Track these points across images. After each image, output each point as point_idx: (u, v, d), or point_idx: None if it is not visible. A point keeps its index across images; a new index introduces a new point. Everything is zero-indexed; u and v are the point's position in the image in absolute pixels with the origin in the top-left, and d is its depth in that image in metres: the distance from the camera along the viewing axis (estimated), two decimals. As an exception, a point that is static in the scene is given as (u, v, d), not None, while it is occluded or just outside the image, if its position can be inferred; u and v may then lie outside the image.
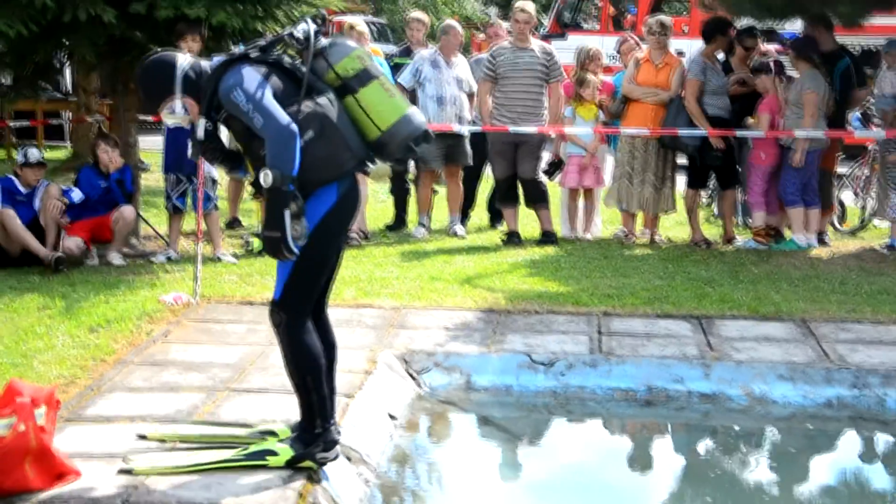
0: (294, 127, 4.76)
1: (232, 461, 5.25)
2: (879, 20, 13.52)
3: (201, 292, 8.74)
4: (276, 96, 4.87)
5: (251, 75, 4.88)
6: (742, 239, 11.69)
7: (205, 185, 9.88)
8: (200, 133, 5.08)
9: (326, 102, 4.99)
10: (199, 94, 5.06)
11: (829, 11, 11.17)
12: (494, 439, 6.99)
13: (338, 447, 5.34)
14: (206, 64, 5.14)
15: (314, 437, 5.25)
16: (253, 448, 5.34)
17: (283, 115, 4.77)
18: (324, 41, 5.06)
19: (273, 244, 4.78)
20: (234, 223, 12.07)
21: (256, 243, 10.67)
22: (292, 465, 5.21)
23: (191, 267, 9.11)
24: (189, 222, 10.07)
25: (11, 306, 8.27)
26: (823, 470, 6.75)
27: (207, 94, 5.01)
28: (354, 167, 5.13)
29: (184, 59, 5.15)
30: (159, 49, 5.39)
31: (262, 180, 4.73)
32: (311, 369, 5.19)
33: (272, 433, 5.47)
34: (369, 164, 5.23)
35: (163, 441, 5.58)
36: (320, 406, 5.25)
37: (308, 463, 5.22)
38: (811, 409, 7.12)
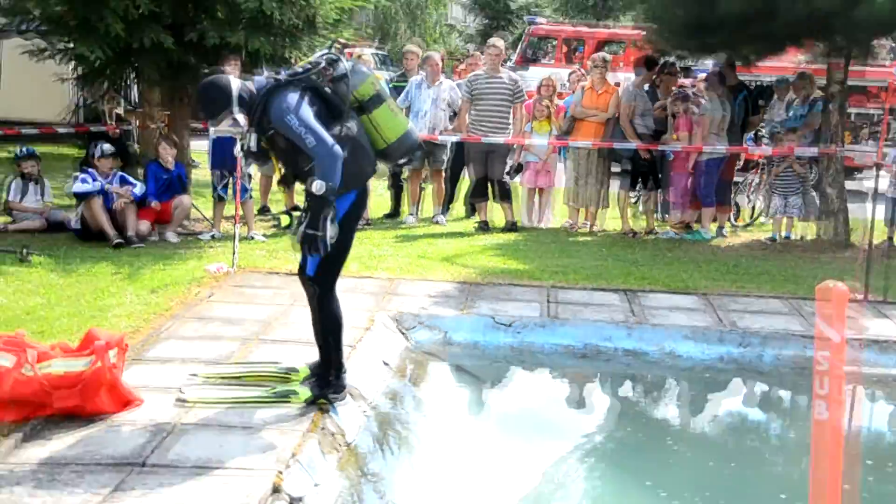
0: (338, 149, 4.79)
1: (263, 398, 5.36)
2: (771, 62, 13.60)
3: (238, 263, 8.80)
4: (316, 117, 4.89)
5: (299, 102, 4.86)
6: (661, 230, 11.79)
7: (242, 179, 9.95)
8: (254, 145, 5.10)
9: (354, 125, 5.05)
10: (248, 111, 5.07)
11: (733, 54, 11.25)
12: (465, 382, 7.09)
13: (346, 391, 5.46)
14: (251, 85, 5.13)
15: (329, 383, 5.38)
16: (280, 388, 5.45)
17: (329, 139, 4.78)
18: (342, 67, 5.07)
19: (313, 241, 4.83)
20: (264, 210, 12.11)
21: (284, 220, 10.77)
22: (310, 404, 5.32)
23: (230, 243, 9.18)
24: (229, 209, 10.11)
25: (91, 271, 8.33)
26: (715, 407, 6.89)
27: (257, 113, 5.00)
28: (371, 175, 5.26)
29: (235, 81, 5.15)
30: (207, 70, 5.43)
31: (314, 189, 4.74)
32: (335, 331, 5.33)
33: (294, 370, 5.58)
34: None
35: (209, 378, 5.69)
36: (337, 360, 5.39)
37: (322, 402, 5.34)
38: (708, 362, 7.25)
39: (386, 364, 6.63)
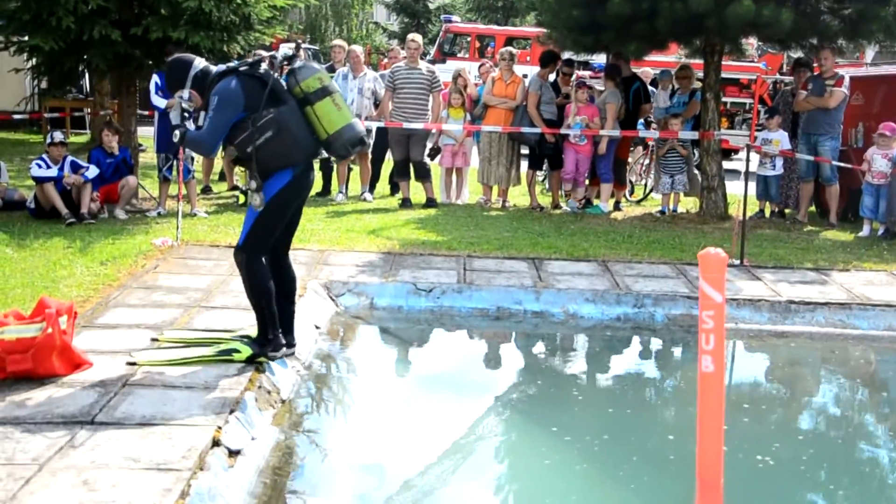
0: (211, 149, 4.98)
1: (207, 357, 5.20)
2: (658, 57, 13.70)
3: (182, 237, 8.56)
4: (250, 102, 4.86)
5: (231, 94, 4.84)
6: (564, 205, 11.80)
7: (185, 161, 9.69)
8: (175, 118, 5.05)
9: (286, 110, 4.93)
10: (200, 90, 5.01)
11: (622, 49, 11.29)
12: (390, 343, 6.98)
13: (283, 348, 5.33)
14: (213, 68, 5.07)
15: (268, 341, 5.24)
16: (223, 346, 5.29)
17: (213, 137, 4.87)
18: (298, 63, 5.01)
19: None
20: (206, 189, 11.86)
21: (241, 198, 10.56)
22: (251, 361, 5.18)
23: (174, 219, 8.93)
24: (174, 188, 9.83)
25: (45, 246, 8.02)
26: (614, 362, 6.90)
27: (207, 93, 4.95)
28: (304, 159, 5.07)
29: (199, 62, 5.10)
30: (151, 62, 5.30)
31: (174, 138, 4.95)
32: (263, 293, 5.18)
33: (248, 337, 5.40)
34: (319, 155, 5.21)
35: (164, 342, 5.51)
36: (271, 319, 5.24)
37: (262, 359, 5.20)
38: (607, 322, 7.27)
39: (317, 328, 6.51)
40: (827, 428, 5.66)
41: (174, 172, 9.83)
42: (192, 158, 10.22)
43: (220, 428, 4.30)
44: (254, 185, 4.98)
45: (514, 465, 4.88)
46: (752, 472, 4.57)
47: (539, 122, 11.25)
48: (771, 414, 5.76)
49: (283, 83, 5.00)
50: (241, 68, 4.97)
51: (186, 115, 5.05)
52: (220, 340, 5.44)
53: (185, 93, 5.03)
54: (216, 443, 4.18)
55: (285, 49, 5.18)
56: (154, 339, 5.52)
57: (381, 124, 11.55)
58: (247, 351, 5.21)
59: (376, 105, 11.75)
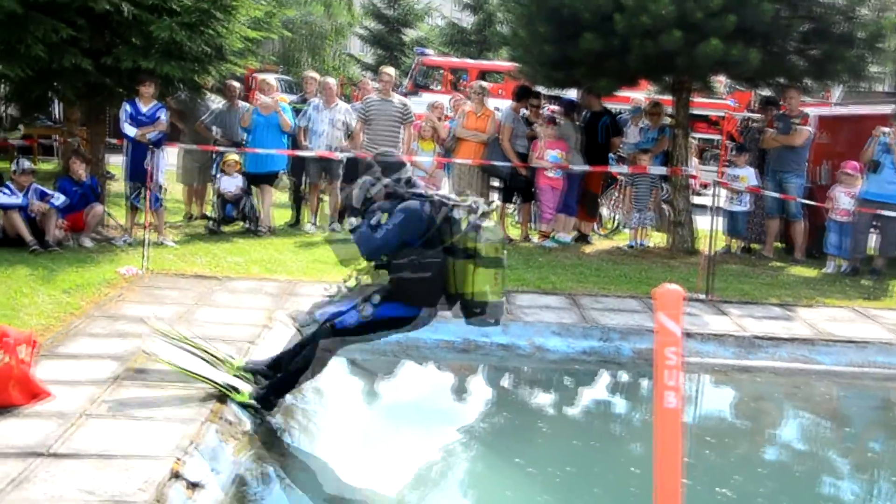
0: (373, 256, 4.95)
1: (214, 382, 5.19)
2: (630, 93, 13.86)
3: (148, 266, 8.50)
4: (428, 234, 4.83)
5: (417, 218, 4.83)
6: (535, 238, 11.85)
7: (154, 190, 9.67)
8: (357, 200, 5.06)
9: (452, 260, 4.85)
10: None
11: (593, 85, 11.41)
12: (356, 375, 6.94)
13: (276, 408, 5.32)
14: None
15: (268, 402, 5.22)
16: (227, 378, 5.27)
17: (383, 248, 4.85)
18: (486, 222, 4.90)
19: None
20: (191, 217, 11.91)
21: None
22: (243, 405, 5.15)
23: (142, 248, 8.87)
24: (142, 217, 9.79)
25: (6, 273, 7.91)
26: (580, 395, 6.92)
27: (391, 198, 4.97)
28: (436, 304, 5.02)
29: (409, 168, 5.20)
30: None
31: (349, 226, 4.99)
32: (308, 373, 5.18)
33: (237, 390, 5.26)
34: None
35: (167, 335, 5.53)
36: (287, 389, 5.26)
37: (252, 409, 5.20)
38: (573, 355, 7.28)
39: (283, 359, 6.46)
40: (788, 462, 5.70)
41: (143, 201, 9.79)
42: (161, 187, 10.17)
43: (179, 460, 4.26)
44: (377, 298, 4.96)
45: (479, 498, 4.86)
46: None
47: (512, 155, 11.33)
48: (733, 448, 5.79)
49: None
50: (434, 198, 4.91)
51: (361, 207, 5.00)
52: (218, 361, 5.40)
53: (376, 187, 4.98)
54: (176, 475, 4.14)
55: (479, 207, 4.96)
56: (159, 318, 5.46)
57: (352, 154, 11.58)
58: (245, 396, 5.17)
59: (348, 136, 11.79)
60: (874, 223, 10.47)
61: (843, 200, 10.44)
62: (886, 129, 10.23)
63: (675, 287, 4.13)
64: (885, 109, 11.09)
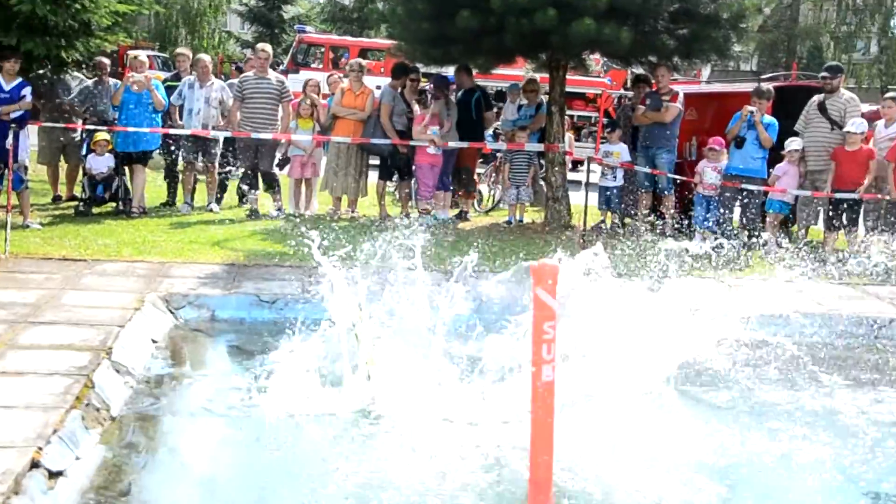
0: None
1: None
2: (508, 71, 13.98)
3: (10, 250, 8.15)
4: None
5: None
6: (414, 216, 11.86)
7: (18, 170, 9.27)
8: None
9: None
10: None
11: (471, 62, 11.49)
12: (230, 356, 6.78)
13: None
14: None
15: None
16: None
17: None
18: None
19: None
20: (58, 199, 11.46)
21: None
22: None
23: (3, 231, 8.49)
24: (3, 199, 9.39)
25: None
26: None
27: None
28: None
29: None
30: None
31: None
32: None
33: None
34: None
35: None
36: None
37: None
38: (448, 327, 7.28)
39: (154, 341, 6.32)
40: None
41: (5, 182, 9.38)
42: (25, 168, 9.75)
43: (40, 449, 4.11)
44: None
45: (354, 476, 4.82)
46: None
47: (392, 133, 11.30)
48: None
49: None
50: None
51: None
52: None
53: None
54: (35, 464, 4.00)
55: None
56: None
57: (229, 134, 11.35)
58: None
59: (224, 115, 11.55)
60: (738, 197, 10.88)
61: (709, 175, 10.81)
62: (751, 108, 10.62)
63: (551, 262, 4.20)
64: (749, 87, 11.52)
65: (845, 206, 10.28)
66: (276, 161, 11.64)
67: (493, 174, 13.35)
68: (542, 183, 11.93)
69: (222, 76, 15.97)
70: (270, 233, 10.20)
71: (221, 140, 11.54)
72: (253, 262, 8.47)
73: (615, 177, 11.68)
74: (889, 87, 24.56)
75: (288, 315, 7.26)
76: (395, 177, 12.16)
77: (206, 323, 7.06)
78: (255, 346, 6.90)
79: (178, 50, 12.92)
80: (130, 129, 10.76)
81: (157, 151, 11.53)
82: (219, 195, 11.86)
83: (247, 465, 4.76)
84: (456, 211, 12.03)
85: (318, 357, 6.41)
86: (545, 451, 4.22)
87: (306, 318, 7.20)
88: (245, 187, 11.35)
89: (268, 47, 11.85)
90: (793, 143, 10.62)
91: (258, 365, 6.10)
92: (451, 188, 11.87)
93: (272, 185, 11.44)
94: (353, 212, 11.85)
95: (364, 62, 12.29)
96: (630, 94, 14.11)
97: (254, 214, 11.21)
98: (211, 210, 11.49)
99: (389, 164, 11.73)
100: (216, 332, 6.99)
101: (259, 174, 11.42)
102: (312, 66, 22.97)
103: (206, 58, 11.80)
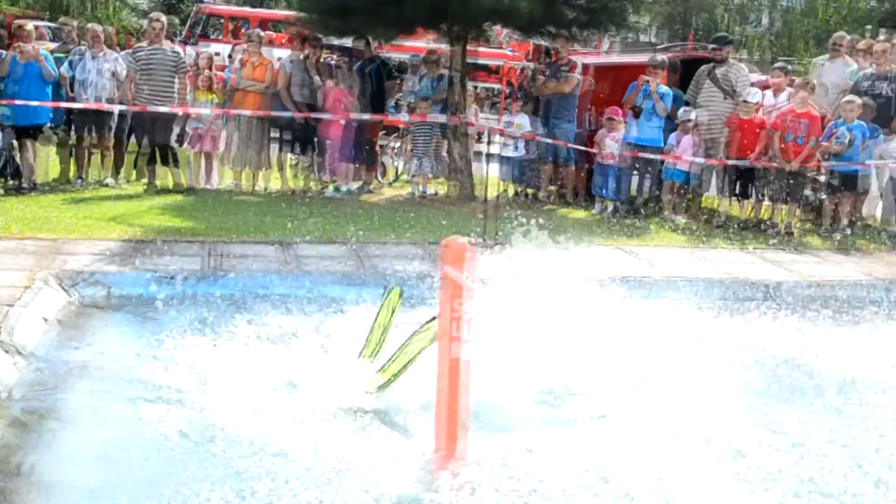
0: None
1: None
2: (412, 42, 13.90)
3: None
4: None
5: None
6: (318, 189, 11.73)
7: None
8: None
9: None
10: None
11: (371, 33, 11.40)
12: (126, 334, 6.45)
13: None
14: None
15: None
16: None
17: None
18: None
19: None
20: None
21: None
22: None
23: None
24: None
25: None
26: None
27: None
28: None
29: None
30: None
31: None
32: None
33: None
34: None
35: None
36: None
37: None
38: (354, 303, 7.26)
39: (45, 320, 6.11)
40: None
41: None
42: None
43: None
44: None
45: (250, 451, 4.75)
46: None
47: (290, 104, 11.14)
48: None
49: None
50: None
51: None
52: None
53: None
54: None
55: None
56: None
57: (124, 107, 11.02)
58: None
59: (119, 86, 11.20)
60: (637, 166, 11.09)
61: (608, 145, 10.99)
62: (647, 78, 10.82)
63: (461, 238, 4.20)
64: (645, 58, 11.73)
65: (740, 173, 10.58)
66: (174, 135, 11.36)
67: (397, 146, 13.30)
68: (445, 155, 11.93)
69: (117, 48, 15.46)
70: (170, 208, 9.98)
71: (117, 113, 11.18)
72: (152, 238, 8.27)
73: (518, 147, 11.77)
74: (779, 58, 25.31)
75: (188, 291, 7.15)
76: (298, 149, 12.00)
77: (103, 300, 6.87)
78: (154, 324, 6.76)
79: (63, 19, 12.48)
80: (20, 101, 10.34)
81: (49, 125, 11.12)
82: (116, 169, 11.51)
83: (143, 441, 4.65)
84: (359, 183, 11.95)
85: (219, 331, 6.37)
86: (453, 427, 4.27)
87: (206, 294, 7.16)
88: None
89: (162, 16, 11.53)
90: (686, 113, 10.84)
91: (156, 342, 5.96)
92: (355, 160, 11.77)
93: (171, 158, 11.17)
94: (255, 185, 11.65)
95: (262, 33, 12.04)
96: (532, 65, 14.19)
97: (152, 189, 10.93)
98: (108, 185, 11.16)
99: (291, 136, 11.56)
100: (113, 309, 6.81)
101: (157, 148, 11.12)
102: (212, 37, 22.45)
103: (97, 27, 11.41)
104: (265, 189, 11.70)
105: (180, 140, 11.57)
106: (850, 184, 10.31)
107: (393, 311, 5.76)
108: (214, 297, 7.12)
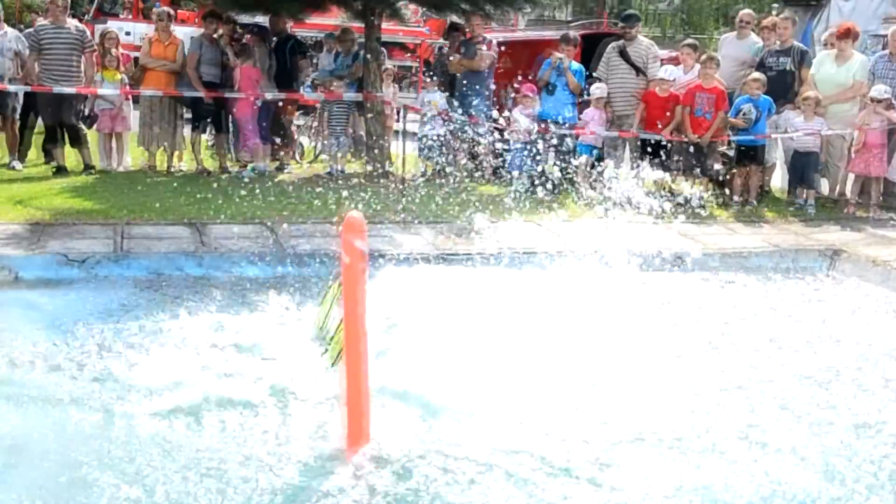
0: None
1: None
2: (326, 20, 13.78)
3: None
4: None
5: None
6: (235, 169, 11.56)
7: None
8: None
9: None
10: None
11: (282, 10, 11.26)
12: (33, 319, 6.27)
13: None
14: None
15: None
16: None
17: None
18: None
19: None
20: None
21: None
22: None
23: None
24: None
25: None
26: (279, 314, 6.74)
27: None
28: None
29: None
30: None
31: None
32: None
33: None
34: None
35: None
36: None
37: None
38: (270, 281, 7.16)
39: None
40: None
41: None
42: None
43: None
44: None
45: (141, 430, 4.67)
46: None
47: (198, 83, 10.94)
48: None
49: None
50: None
51: None
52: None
53: None
54: None
55: None
56: None
57: (28, 88, 10.70)
58: None
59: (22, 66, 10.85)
60: (550, 141, 11.19)
61: (522, 121, 11.06)
62: (559, 55, 10.92)
63: (357, 214, 4.23)
64: (556, 35, 11.84)
65: (651, 148, 10.75)
66: (81, 115, 11.07)
67: (313, 125, 13.19)
68: (361, 133, 11.88)
69: (21, 26, 14.98)
70: (78, 189, 9.76)
71: (22, 94, 10.85)
72: (60, 220, 8.08)
73: (433, 125, 11.77)
74: (689, 35, 25.80)
75: (99, 274, 7.01)
76: (211, 129, 11.81)
77: (8, 284, 6.70)
78: (63, 308, 6.60)
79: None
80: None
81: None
82: (20, 151, 11.17)
83: (50, 428, 4.54)
84: (276, 163, 11.83)
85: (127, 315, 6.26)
86: (357, 393, 4.29)
87: (118, 277, 7.03)
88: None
89: (66, -6, 11.18)
90: (597, 90, 10.95)
91: (65, 326, 5.83)
92: (272, 140, 11.63)
93: (78, 139, 10.88)
94: (168, 166, 11.43)
95: (171, 11, 11.79)
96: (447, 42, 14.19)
97: (60, 171, 10.64)
98: (13, 168, 10.83)
99: (204, 116, 11.36)
100: (19, 293, 6.62)
101: (63, 129, 10.82)
102: (121, 16, 21.85)
103: (-5, 5, 11.04)
104: (179, 170, 11.50)
105: (90, 121, 11.28)
106: (755, 157, 10.60)
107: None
108: (125, 279, 7.01)
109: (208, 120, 11.38)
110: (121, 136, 11.47)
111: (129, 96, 11.33)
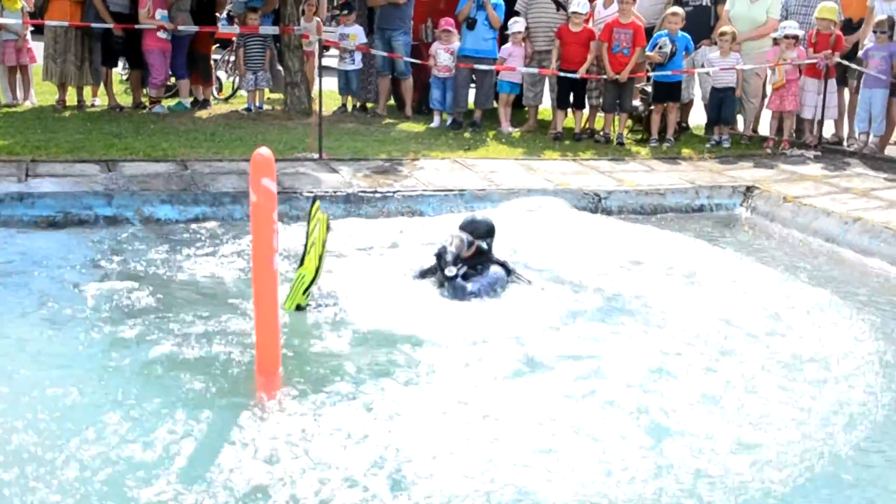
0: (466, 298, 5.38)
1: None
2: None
3: None
4: None
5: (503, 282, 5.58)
6: (157, 106, 11.07)
7: None
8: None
9: None
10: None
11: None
12: None
13: None
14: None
15: None
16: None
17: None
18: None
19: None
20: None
21: None
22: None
23: None
24: None
25: None
26: (192, 259, 6.53)
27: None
28: None
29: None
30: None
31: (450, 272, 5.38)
32: None
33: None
34: None
35: None
36: None
37: None
38: (183, 223, 6.99)
39: None
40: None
41: None
42: None
43: None
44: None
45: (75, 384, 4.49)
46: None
47: (105, 14, 10.40)
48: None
49: None
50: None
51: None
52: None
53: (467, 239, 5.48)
54: None
55: None
56: None
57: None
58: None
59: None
60: (472, 77, 11.01)
61: (443, 57, 10.84)
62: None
63: (266, 151, 4.04)
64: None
65: (570, 85, 10.63)
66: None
67: (231, 60, 12.74)
68: (279, 67, 11.52)
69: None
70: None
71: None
72: (-40, 159, 7.65)
73: (354, 60, 11.46)
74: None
75: (3, 213, 6.67)
76: (123, 62, 11.29)
77: None
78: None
79: None
80: None
81: None
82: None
83: None
84: (192, 98, 11.41)
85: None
86: (270, 336, 4.16)
87: (23, 216, 6.70)
88: None
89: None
90: (515, 25, 10.70)
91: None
92: (188, 75, 11.19)
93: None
94: (80, 101, 10.91)
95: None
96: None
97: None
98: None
99: (113, 49, 10.84)
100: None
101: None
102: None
103: None
104: (91, 105, 11.01)
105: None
106: (674, 94, 10.56)
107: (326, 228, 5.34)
108: (35, 220, 6.70)
109: (123, 54, 10.86)
110: (26, 69, 10.92)
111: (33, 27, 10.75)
